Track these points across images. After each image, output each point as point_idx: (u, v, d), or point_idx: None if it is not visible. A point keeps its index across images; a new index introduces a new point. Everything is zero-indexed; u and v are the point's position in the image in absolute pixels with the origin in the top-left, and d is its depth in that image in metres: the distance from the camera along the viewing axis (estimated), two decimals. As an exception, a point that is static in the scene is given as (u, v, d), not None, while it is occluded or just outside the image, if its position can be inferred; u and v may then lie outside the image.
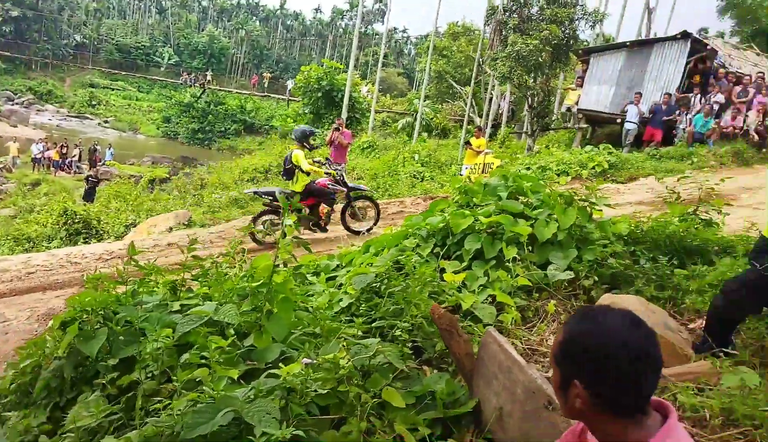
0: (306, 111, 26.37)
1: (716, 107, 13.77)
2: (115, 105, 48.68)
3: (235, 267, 4.01)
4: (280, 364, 2.17)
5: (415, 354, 3.09)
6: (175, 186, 19.13)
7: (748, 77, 14.68)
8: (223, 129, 39.15)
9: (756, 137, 13.08)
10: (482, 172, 11.93)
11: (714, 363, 2.73)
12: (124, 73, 56.86)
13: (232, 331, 2.52)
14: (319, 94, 25.22)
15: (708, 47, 15.43)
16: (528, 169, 12.58)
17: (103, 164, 25.36)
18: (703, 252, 4.19)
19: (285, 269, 2.69)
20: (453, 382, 2.56)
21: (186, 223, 12.06)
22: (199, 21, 73.28)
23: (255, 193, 7.92)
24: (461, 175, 12.98)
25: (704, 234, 4.31)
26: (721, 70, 14.86)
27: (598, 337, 1.19)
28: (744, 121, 13.59)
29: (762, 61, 18.74)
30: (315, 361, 2.20)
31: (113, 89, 52.93)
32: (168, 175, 23.06)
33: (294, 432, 1.83)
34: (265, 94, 48.08)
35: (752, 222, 4.77)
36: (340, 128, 11.83)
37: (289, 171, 7.80)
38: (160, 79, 56.90)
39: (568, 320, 1.31)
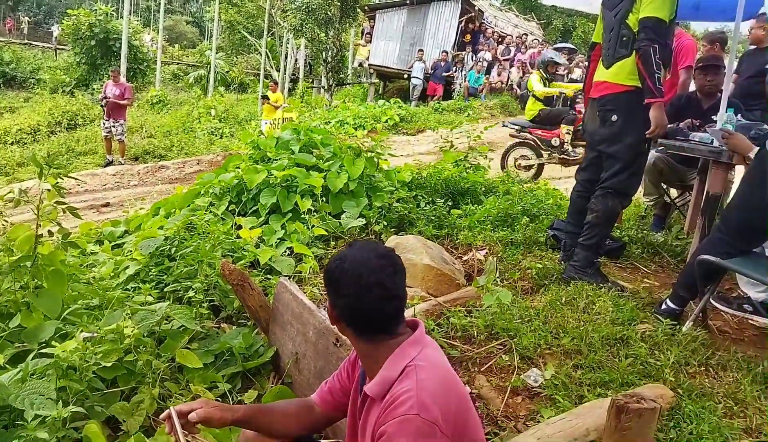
0: (79, 61, 23.04)
1: (485, 64, 15.47)
2: None
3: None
4: (54, 342, 1.99)
5: (214, 313, 3.06)
6: None
7: (510, 37, 16.69)
8: (-27, 84, 32.40)
9: (518, 91, 15.11)
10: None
11: (477, 287, 3.16)
12: None
13: (-8, 314, 2.22)
14: (93, 43, 22.16)
15: (476, 8, 17.10)
16: (328, 123, 12.84)
17: None
18: (473, 193, 4.80)
19: (53, 239, 2.40)
20: (251, 335, 2.60)
21: (-74, 197, 9.95)
22: None
23: (504, 124, 8.20)
24: (262, 131, 12.79)
25: (473, 177, 4.93)
26: (488, 30, 16.64)
27: (341, 265, 1.33)
28: (508, 77, 15.57)
29: (521, 22, 21.38)
30: (96, 334, 2.05)
31: None
32: None
33: (74, 410, 1.71)
34: (27, 41, 40.60)
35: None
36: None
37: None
38: None
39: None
